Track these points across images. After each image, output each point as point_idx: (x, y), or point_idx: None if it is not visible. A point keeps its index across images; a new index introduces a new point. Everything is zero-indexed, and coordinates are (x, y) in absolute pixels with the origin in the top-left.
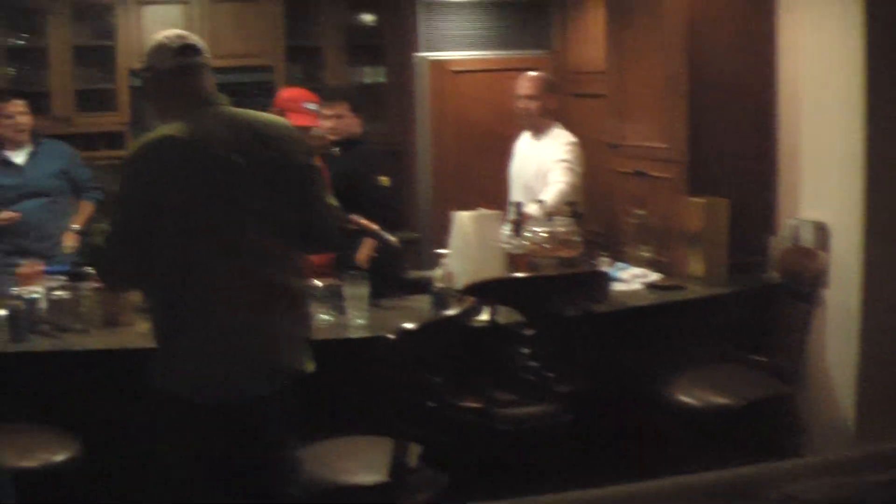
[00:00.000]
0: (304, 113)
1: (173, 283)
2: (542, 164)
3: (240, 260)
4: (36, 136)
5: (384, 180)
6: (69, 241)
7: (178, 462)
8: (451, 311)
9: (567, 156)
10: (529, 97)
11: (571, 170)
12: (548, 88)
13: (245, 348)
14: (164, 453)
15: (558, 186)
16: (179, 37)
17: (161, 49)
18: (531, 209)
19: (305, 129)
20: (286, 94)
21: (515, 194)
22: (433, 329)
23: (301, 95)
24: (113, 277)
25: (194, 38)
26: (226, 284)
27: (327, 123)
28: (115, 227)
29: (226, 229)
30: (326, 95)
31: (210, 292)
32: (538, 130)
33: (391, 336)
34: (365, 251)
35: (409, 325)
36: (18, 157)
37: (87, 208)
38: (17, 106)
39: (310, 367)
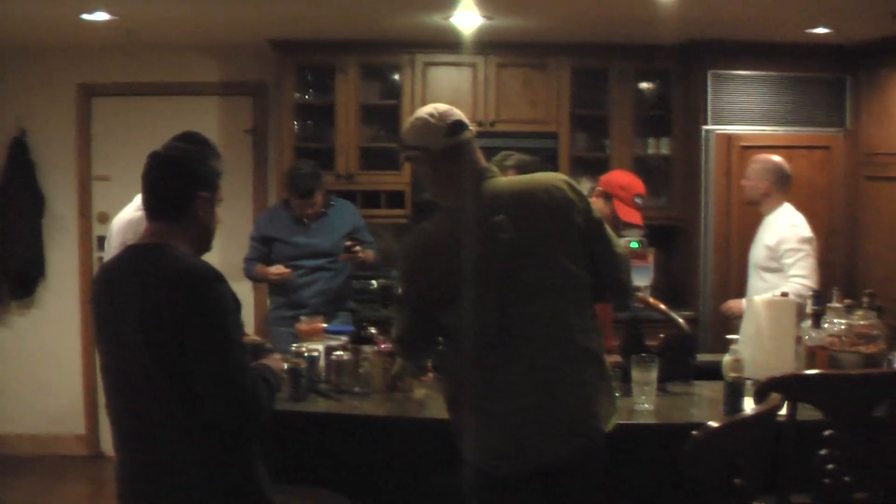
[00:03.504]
0: (632, 207)
1: (461, 363)
2: (764, 247)
3: (527, 333)
4: (326, 197)
5: None
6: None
7: None
8: (756, 409)
9: (794, 244)
10: (745, 177)
11: (804, 259)
12: (761, 172)
13: (539, 419)
14: None
15: (795, 286)
16: (444, 114)
17: (430, 130)
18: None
19: (629, 225)
20: (619, 178)
21: (750, 277)
22: (740, 427)
23: (633, 185)
24: (416, 363)
25: (457, 112)
26: (515, 360)
27: None
28: (407, 321)
29: (508, 305)
30: None
31: (501, 369)
32: (763, 212)
33: (696, 433)
34: None
35: (715, 424)
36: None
37: (369, 255)
38: (318, 197)
39: (611, 425)
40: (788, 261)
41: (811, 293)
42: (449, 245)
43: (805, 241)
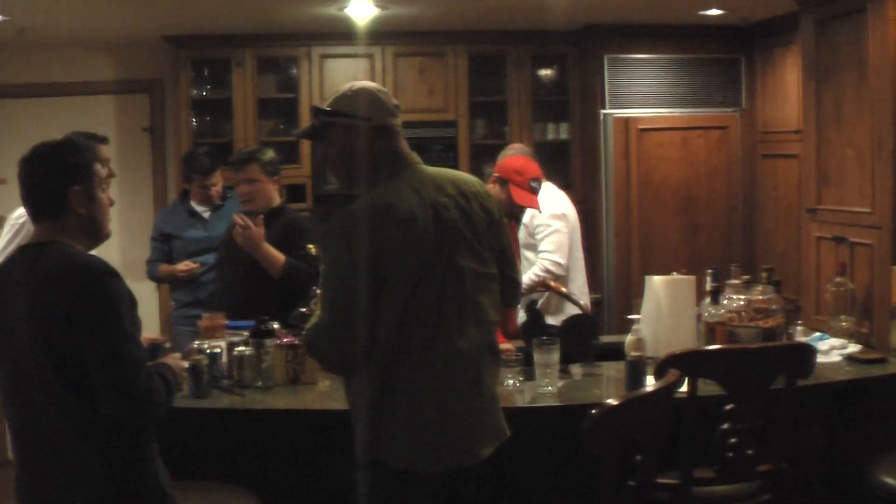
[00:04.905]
0: (528, 191)
1: (392, 353)
2: (523, 225)
3: (461, 322)
4: (223, 189)
5: (312, 248)
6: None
7: None
8: (655, 386)
9: (544, 220)
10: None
11: (552, 235)
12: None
13: (468, 412)
14: None
15: (543, 262)
16: (389, 94)
17: (379, 103)
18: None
19: (520, 208)
20: (513, 163)
21: None
22: (637, 404)
23: (529, 169)
24: (334, 358)
25: None
26: (447, 348)
27: (243, 188)
28: (332, 301)
29: (448, 291)
30: (238, 159)
31: (434, 357)
32: None
33: (594, 411)
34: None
35: (612, 401)
36: (205, 211)
37: None
38: (218, 175)
39: (507, 431)
40: (539, 237)
41: (559, 268)
42: (395, 216)
43: (555, 216)
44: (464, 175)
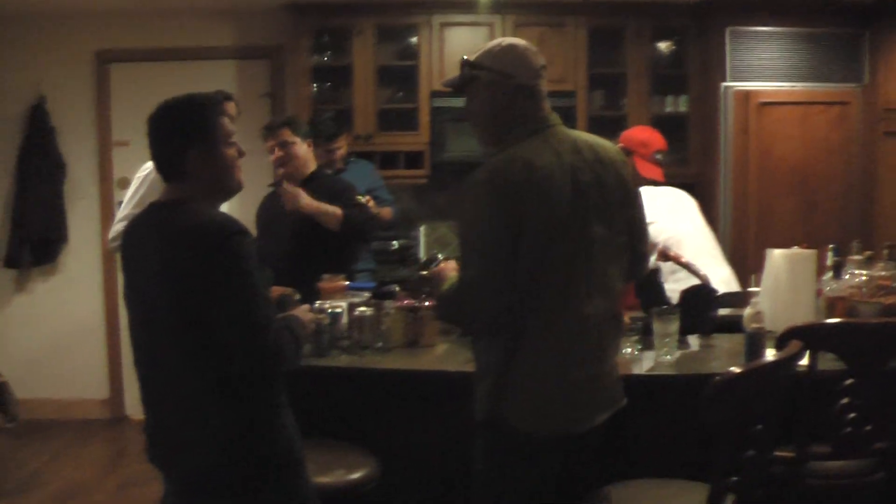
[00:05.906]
0: (652, 163)
1: (521, 313)
2: None
3: (589, 288)
4: (346, 154)
5: (360, 198)
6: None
7: (508, 493)
8: (777, 356)
9: None
10: None
11: None
12: None
13: (588, 379)
14: (490, 484)
15: None
16: (537, 53)
17: (524, 61)
18: None
19: (649, 181)
20: (639, 134)
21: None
22: (759, 374)
23: (654, 141)
24: (476, 317)
25: None
26: (574, 313)
27: (277, 152)
28: (473, 257)
29: (578, 255)
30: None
31: (560, 321)
32: None
33: (718, 378)
34: None
35: (735, 369)
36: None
37: (385, 213)
38: (342, 142)
39: (624, 398)
40: None
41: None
42: (532, 173)
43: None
44: (604, 142)
